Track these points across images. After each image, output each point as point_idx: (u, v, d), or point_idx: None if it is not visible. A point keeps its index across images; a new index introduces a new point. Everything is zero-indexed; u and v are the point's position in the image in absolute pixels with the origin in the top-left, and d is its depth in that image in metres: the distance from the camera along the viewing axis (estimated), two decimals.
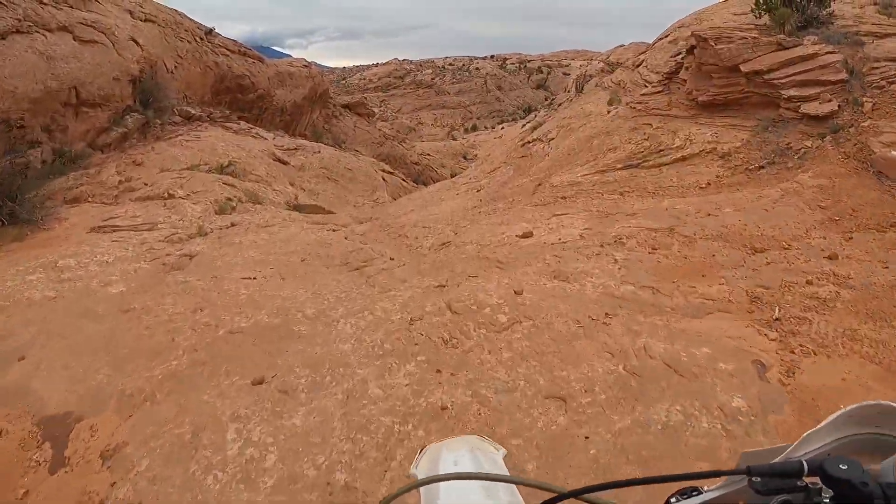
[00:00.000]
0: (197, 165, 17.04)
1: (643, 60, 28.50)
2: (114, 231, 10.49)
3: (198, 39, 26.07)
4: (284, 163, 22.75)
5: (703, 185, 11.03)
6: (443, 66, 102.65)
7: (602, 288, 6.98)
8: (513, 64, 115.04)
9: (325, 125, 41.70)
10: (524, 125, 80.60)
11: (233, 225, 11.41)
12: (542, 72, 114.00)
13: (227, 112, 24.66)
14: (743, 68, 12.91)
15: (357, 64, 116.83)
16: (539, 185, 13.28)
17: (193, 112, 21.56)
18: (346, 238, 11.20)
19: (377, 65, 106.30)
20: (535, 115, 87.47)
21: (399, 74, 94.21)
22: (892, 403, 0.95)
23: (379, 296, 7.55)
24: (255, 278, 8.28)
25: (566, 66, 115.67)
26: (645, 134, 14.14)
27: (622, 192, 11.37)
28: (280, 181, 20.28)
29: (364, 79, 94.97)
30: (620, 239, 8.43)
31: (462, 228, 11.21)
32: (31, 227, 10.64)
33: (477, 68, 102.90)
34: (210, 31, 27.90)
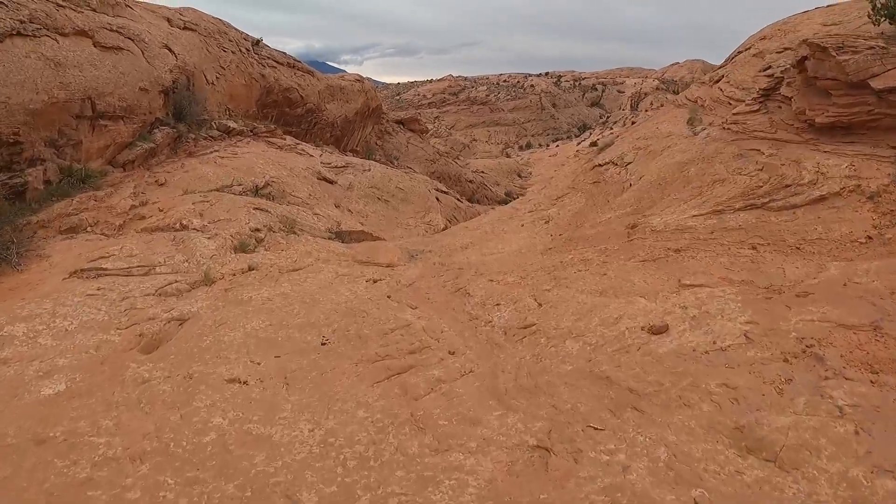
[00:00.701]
0: (228, 186, 14.75)
1: (723, 76, 25.10)
2: (98, 276, 8.09)
3: (243, 50, 24.04)
4: (331, 182, 20.39)
5: (863, 240, 8.00)
6: (497, 83, 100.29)
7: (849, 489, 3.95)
8: (567, 81, 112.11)
9: (378, 141, 39.52)
10: (579, 143, 77.56)
11: (250, 269, 8.95)
12: (596, 89, 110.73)
13: (273, 126, 22.49)
14: (873, 84, 9.86)
15: (411, 80, 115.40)
16: (633, 226, 10.40)
17: (234, 126, 19.38)
18: (388, 297, 8.53)
19: (431, 81, 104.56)
20: (591, 133, 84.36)
21: (453, 91, 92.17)
22: None
23: (433, 461, 4.70)
24: (245, 383, 5.61)
25: (620, 83, 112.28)
26: (758, 163, 11.16)
27: (755, 246, 8.41)
28: (324, 203, 17.89)
29: (418, 95, 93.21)
30: (811, 347, 5.37)
31: (546, 295, 8.27)
32: (1, 268, 8.33)
33: (532, 85, 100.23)
34: (257, 42, 25.91)
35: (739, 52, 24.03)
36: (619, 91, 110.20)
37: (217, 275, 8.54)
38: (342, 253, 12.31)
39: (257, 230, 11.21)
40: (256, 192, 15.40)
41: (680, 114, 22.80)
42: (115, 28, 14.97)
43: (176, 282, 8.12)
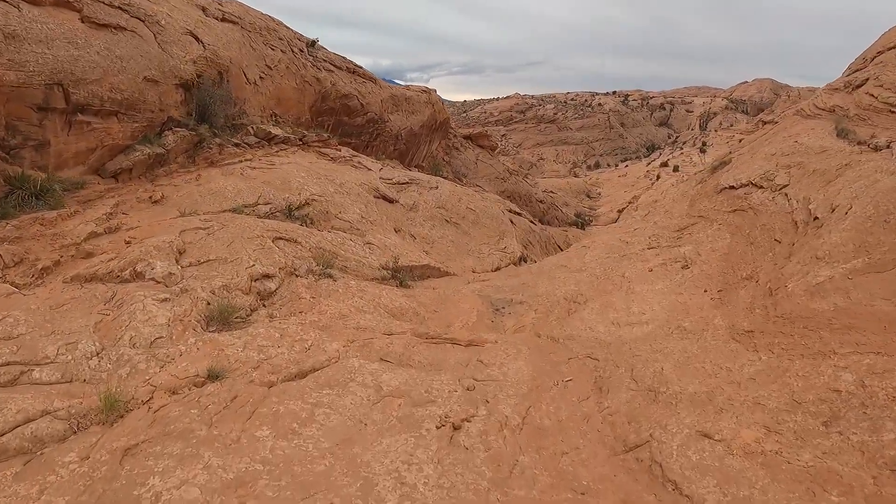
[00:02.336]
0: (251, 205, 10.61)
1: (866, 79, 19.41)
2: None
3: (295, 51, 20.13)
4: (391, 200, 16.16)
5: None
6: (565, 101, 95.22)
7: None
8: (635, 100, 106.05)
9: (445, 157, 35.26)
10: (649, 163, 71.64)
11: (210, 379, 4.59)
12: (664, 108, 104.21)
13: (326, 135, 18.46)
14: None
15: (477, 98, 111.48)
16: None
17: (277, 132, 15.38)
18: (488, 488, 3.86)
19: (498, 99, 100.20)
20: (660, 153, 78.23)
21: (521, 109, 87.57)
22: None
23: None
24: None
25: (688, 102, 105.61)
26: None
27: None
28: (380, 228, 13.62)
29: (485, 112, 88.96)
30: None
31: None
32: None
33: (599, 104, 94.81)
34: (313, 43, 22.03)
35: (880, 53, 18.73)
36: (687, 110, 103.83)
37: (134, 396, 4.23)
38: (397, 310, 7.95)
39: (265, 277, 6.97)
40: (289, 213, 11.22)
41: (816, 125, 17.42)
42: (117, 4, 11.13)
43: (49, 412, 3.87)
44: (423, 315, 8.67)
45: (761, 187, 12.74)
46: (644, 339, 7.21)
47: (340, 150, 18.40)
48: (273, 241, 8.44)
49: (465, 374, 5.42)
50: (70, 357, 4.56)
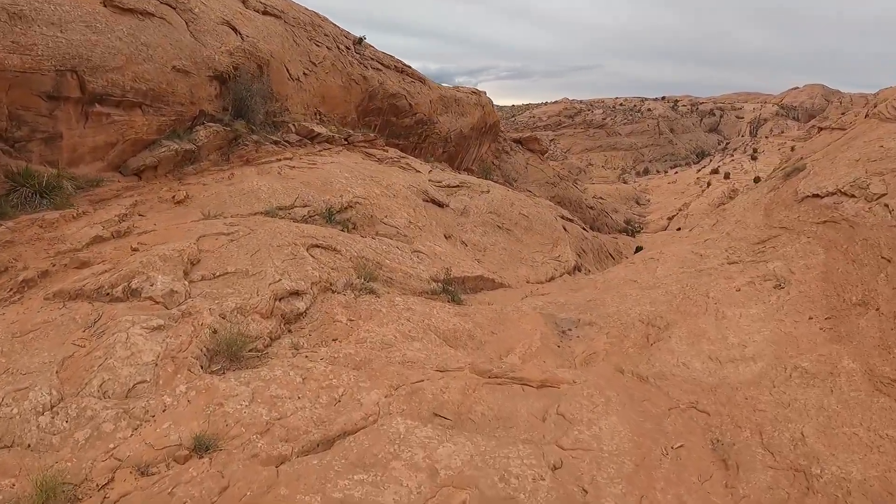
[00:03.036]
0: (287, 207, 9.34)
1: None
2: None
3: (342, 48, 18.94)
4: (441, 205, 14.79)
5: None
6: (613, 107, 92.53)
7: None
8: (684, 106, 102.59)
9: (495, 161, 33.68)
10: (699, 170, 68.67)
11: (199, 450, 3.21)
12: (713, 114, 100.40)
13: (374, 135, 17.22)
14: None
15: (525, 103, 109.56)
16: None
17: (320, 131, 14.17)
18: None
19: (546, 103, 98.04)
20: (710, 160, 74.96)
21: (569, 114, 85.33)
22: None
23: None
24: None
25: (738, 108, 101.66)
26: None
27: None
28: (429, 233, 12.25)
29: (533, 117, 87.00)
30: None
31: None
32: None
33: (649, 109, 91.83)
34: (360, 41, 20.82)
35: None
36: (737, 116, 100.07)
37: (87, 477, 2.91)
38: (451, 333, 6.54)
39: (293, 295, 5.63)
40: (329, 217, 9.90)
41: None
42: None
43: None
44: (479, 338, 7.24)
45: (853, 196, 10.85)
46: (757, 384, 5.60)
47: (388, 151, 17.14)
48: (307, 250, 7.11)
49: (545, 436, 3.95)
50: (16, 410, 3.29)
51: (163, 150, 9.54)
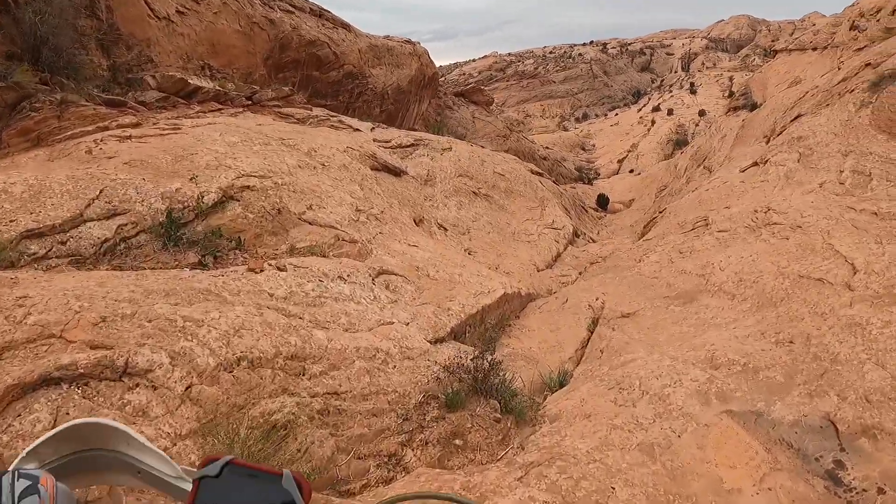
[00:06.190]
0: (57, 226, 4.44)
1: None
2: None
3: None
4: (397, 172, 10.06)
5: None
6: (544, 56, 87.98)
7: None
8: (614, 48, 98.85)
9: (437, 117, 28.70)
10: (640, 109, 65.25)
11: None
12: (644, 53, 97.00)
13: (288, 89, 12.18)
14: None
15: (452, 62, 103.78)
16: None
17: (200, 84, 9.08)
18: None
19: (475, 60, 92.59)
20: (649, 99, 71.60)
21: (500, 67, 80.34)
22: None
23: None
24: None
25: (668, 45, 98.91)
26: None
27: None
28: (392, 223, 7.50)
29: (463, 74, 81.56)
30: None
31: None
32: None
33: (580, 54, 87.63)
34: None
35: None
36: (667, 53, 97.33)
37: None
38: None
39: None
40: (168, 232, 5.00)
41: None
42: None
43: None
44: None
45: None
46: None
47: (311, 110, 12.12)
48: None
49: None
50: None
51: None
